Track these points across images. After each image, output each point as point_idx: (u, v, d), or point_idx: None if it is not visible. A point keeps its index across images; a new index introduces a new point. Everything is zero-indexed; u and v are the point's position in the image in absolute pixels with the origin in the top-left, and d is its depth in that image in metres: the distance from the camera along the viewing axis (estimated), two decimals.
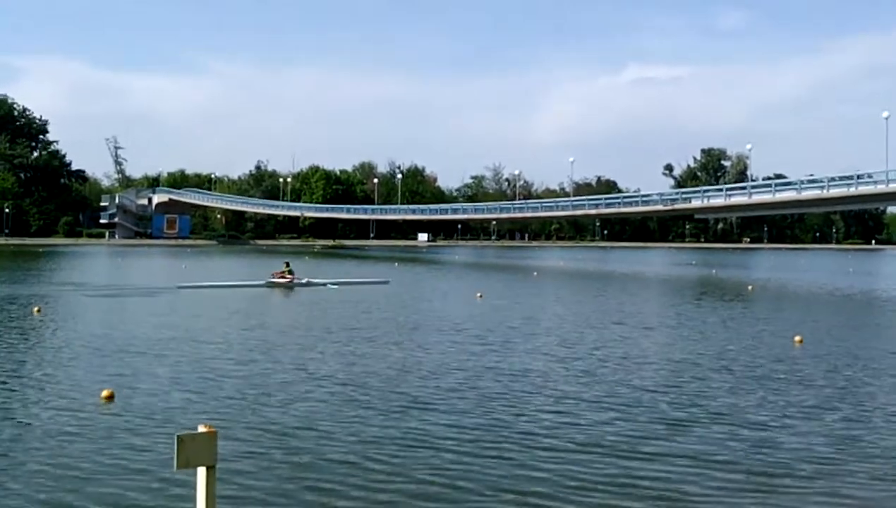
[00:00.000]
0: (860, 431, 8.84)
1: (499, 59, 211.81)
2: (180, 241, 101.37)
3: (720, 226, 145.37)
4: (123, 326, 17.41)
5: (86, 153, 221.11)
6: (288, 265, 30.27)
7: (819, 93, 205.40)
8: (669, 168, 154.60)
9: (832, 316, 23.19)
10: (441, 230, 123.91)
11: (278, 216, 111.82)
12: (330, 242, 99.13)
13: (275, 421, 9.03)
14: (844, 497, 6.78)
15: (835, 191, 45.39)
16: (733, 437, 8.52)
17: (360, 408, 9.67)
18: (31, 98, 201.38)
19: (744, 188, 56.03)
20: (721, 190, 58.58)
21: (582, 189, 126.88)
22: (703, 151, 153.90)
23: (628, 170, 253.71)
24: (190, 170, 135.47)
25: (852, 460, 7.76)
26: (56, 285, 29.65)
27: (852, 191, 44.83)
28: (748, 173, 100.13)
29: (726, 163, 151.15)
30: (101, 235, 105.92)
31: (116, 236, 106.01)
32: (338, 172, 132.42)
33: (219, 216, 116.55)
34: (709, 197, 55.40)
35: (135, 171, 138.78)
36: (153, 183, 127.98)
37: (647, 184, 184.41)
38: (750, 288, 33.88)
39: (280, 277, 29.05)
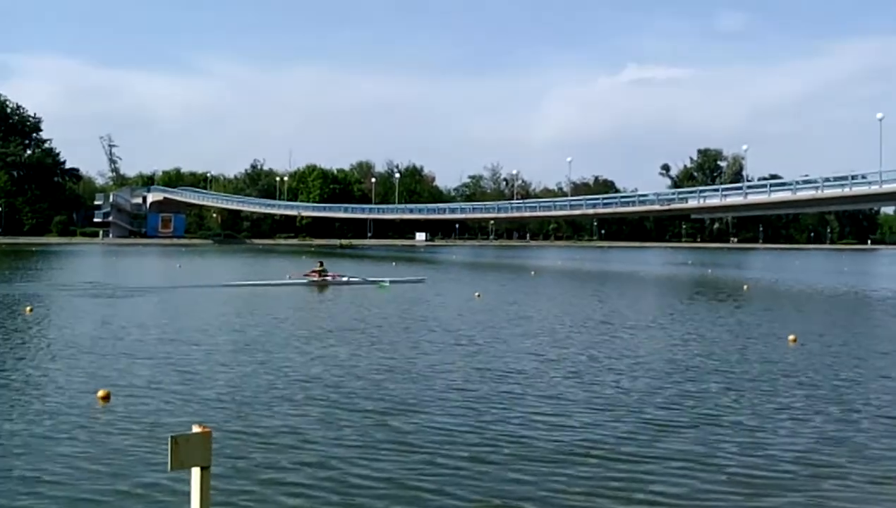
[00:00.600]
0: (852, 432, 8.86)
1: (498, 59, 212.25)
2: (175, 240, 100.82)
3: (716, 225, 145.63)
4: (122, 326, 17.32)
5: (80, 151, 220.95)
6: (322, 264, 31.24)
7: (816, 96, 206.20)
8: (666, 168, 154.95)
9: (826, 315, 23.26)
10: (439, 230, 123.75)
11: (275, 215, 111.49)
12: (345, 241, 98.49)
13: (278, 423, 9.03)
14: (841, 499, 6.78)
15: (829, 192, 45.61)
16: (725, 438, 8.53)
17: (333, 408, 9.67)
18: (25, 96, 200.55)
19: (739, 188, 56.30)
20: (717, 190, 58.84)
21: (580, 189, 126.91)
22: (699, 152, 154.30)
23: (626, 171, 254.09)
24: (185, 169, 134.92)
25: (847, 461, 7.76)
26: (47, 284, 29.50)
27: (846, 191, 45.04)
28: (744, 174, 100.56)
29: (722, 164, 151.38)
30: (95, 234, 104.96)
31: (110, 235, 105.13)
32: (335, 171, 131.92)
33: (214, 215, 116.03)
34: (705, 197, 55.57)
35: (129, 170, 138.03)
36: (148, 181, 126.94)
37: (644, 184, 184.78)
38: (745, 287, 33.98)
39: (314, 276, 29.94)
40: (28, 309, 19.92)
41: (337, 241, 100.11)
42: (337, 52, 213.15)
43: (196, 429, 3.82)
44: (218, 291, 27.06)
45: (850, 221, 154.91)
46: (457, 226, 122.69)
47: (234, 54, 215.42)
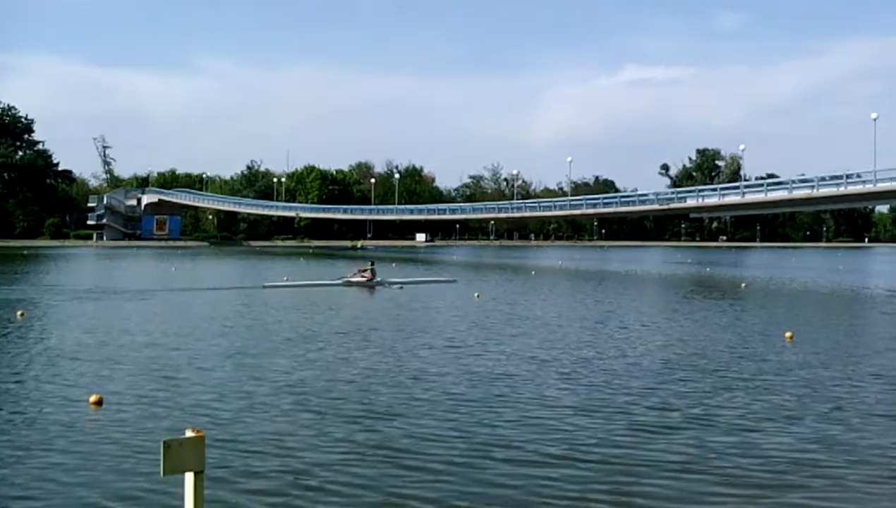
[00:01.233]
0: (848, 431, 8.84)
1: (497, 59, 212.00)
2: (170, 243, 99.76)
3: (714, 225, 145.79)
4: (114, 331, 17.25)
5: (73, 153, 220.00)
6: (373, 264, 31.63)
7: (814, 96, 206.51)
8: (665, 168, 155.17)
9: (822, 312, 23.32)
10: (439, 230, 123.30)
11: (272, 216, 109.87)
12: (358, 243, 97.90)
13: (266, 428, 9.00)
14: (836, 499, 6.77)
15: (825, 191, 45.70)
16: (720, 438, 8.51)
17: (322, 412, 9.63)
18: (17, 96, 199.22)
19: (737, 188, 56.39)
20: (715, 189, 58.96)
21: (580, 188, 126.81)
22: (698, 151, 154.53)
23: (626, 170, 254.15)
24: (181, 171, 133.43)
25: (842, 460, 7.75)
26: (39, 288, 29.35)
27: (842, 190, 45.16)
28: (741, 173, 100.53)
29: (720, 164, 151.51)
30: (89, 237, 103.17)
31: (104, 238, 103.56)
32: (334, 172, 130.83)
33: (210, 217, 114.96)
34: (703, 196, 55.67)
35: (124, 171, 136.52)
36: (142, 183, 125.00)
37: (644, 183, 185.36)
38: (743, 285, 34.08)
39: (362, 275, 30.42)
40: (20, 313, 19.75)
41: (346, 243, 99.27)
42: (336, 51, 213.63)
43: (189, 433, 3.78)
44: (220, 294, 27.01)
45: (845, 220, 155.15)
46: (457, 226, 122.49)
47: (231, 53, 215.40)
